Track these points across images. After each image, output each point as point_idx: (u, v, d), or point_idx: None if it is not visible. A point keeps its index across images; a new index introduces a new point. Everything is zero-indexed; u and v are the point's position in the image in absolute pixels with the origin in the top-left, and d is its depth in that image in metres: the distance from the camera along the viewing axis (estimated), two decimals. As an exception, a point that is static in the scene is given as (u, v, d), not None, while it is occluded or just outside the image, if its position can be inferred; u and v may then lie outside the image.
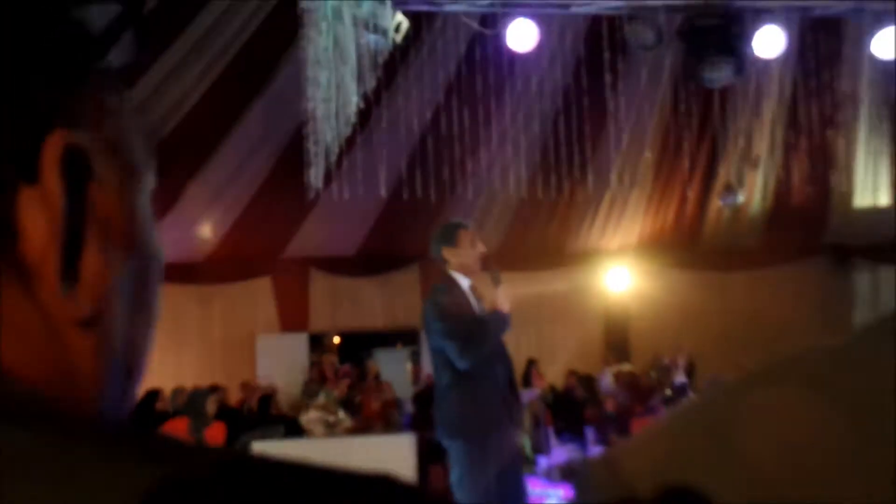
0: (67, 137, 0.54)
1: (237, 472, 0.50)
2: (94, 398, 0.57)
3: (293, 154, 11.35)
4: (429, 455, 9.58)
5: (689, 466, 0.58)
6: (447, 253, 6.03)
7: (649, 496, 0.58)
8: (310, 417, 10.70)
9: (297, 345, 15.63)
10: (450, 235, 6.11)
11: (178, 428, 10.20)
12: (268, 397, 12.55)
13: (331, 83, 9.03)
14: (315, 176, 9.76)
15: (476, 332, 5.83)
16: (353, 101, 8.67)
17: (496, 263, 6.20)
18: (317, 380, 13.67)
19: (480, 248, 6.07)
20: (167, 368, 13.32)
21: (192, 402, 10.75)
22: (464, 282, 5.98)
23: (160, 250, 0.64)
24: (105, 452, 0.49)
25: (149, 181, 0.64)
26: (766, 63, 11.24)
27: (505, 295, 5.99)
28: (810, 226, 15.67)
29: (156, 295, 0.64)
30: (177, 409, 11.29)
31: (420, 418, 11.29)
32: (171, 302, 14.26)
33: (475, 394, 5.86)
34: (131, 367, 0.61)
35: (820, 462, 0.56)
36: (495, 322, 5.94)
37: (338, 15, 9.02)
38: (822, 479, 0.55)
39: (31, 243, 0.53)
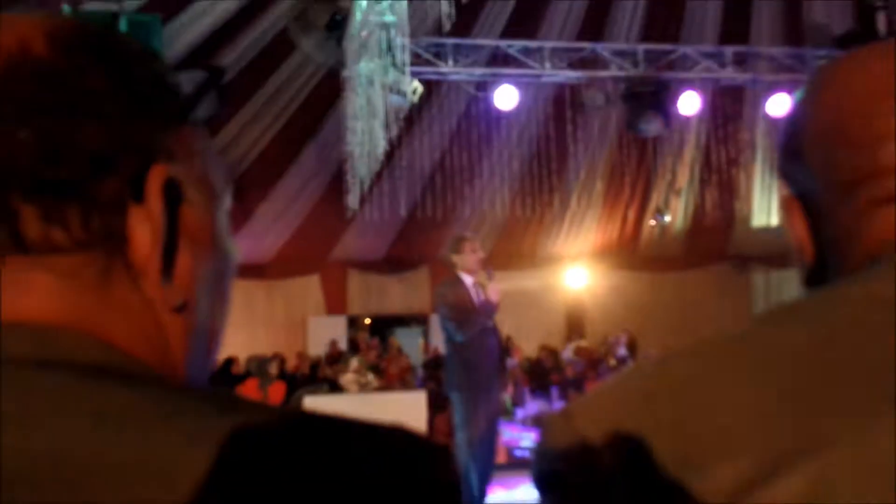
0: (167, 170, 0.54)
1: (295, 422, 0.50)
2: (182, 367, 0.56)
3: (336, 184, 11.37)
4: (435, 407, 9.56)
5: (626, 419, 0.58)
6: (454, 258, 6.10)
7: (597, 440, 0.58)
8: (347, 378, 10.68)
9: (338, 324, 15.62)
10: (456, 245, 6.17)
11: (249, 386, 10.19)
12: (316, 364, 12.52)
13: (364, 132, 9.04)
14: (352, 200, 9.77)
15: (468, 315, 5.89)
16: (381, 145, 8.67)
17: (489, 265, 6.22)
18: (351, 350, 13.68)
19: (479, 254, 6.10)
20: (241, 342, 13.32)
21: (259, 367, 10.74)
22: (467, 279, 6.02)
23: (235, 253, 0.63)
24: (192, 406, 0.49)
25: (226, 202, 0.63)
26: (687, 119, 11.24)
27: (495, 289, 6.02)
28: (719, 239, 15.59)
29: (230, 287, 0.63)
30: (248, 371, 11.27)
31: (429, 380, 11.26)
32: (245, 292, 14.30)
33: (469, 359, 5.93)
34: (210, 342, 0.60)
35: (725, 414, 0.56)
36: (486, 308, 5.99)
37: (370, 81, 9.04)
38: (727, 427, 0.55)
39: (138, 249, 0.53)
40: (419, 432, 0.55)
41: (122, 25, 7.63)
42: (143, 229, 0.53)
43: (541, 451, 0.64)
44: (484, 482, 6.16)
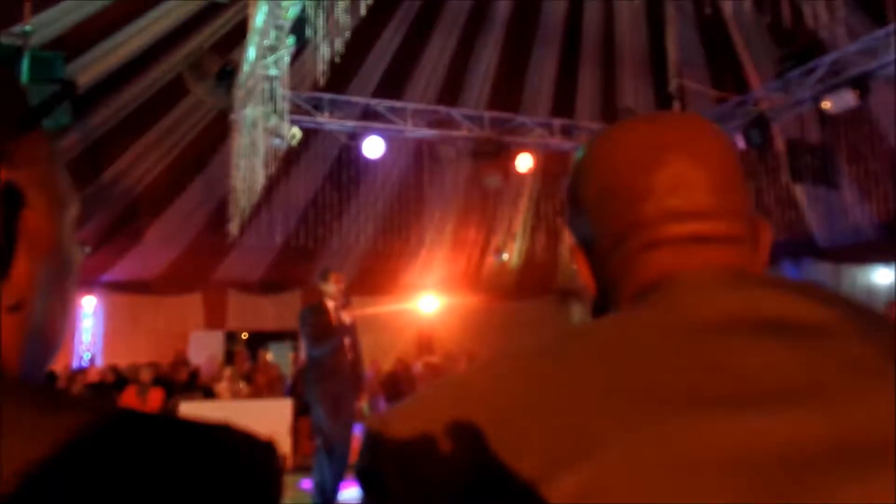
0: (7, 174, 0.50)
1: (118, 420, 0.47)
2: (15, 365, 0.51)
3: (220, 213, 11.05)
4: (300, 412, 9.38)
5: (436, 421, 0.57)
6: (322, 286, 6.13)
7: (410, 443, 0.56)
8: (221, 386, 10.33)
9: (217, 338, 15.07)
10: (324, 276, 6.22)
11: (129, 393, 9.64)
12: (194, 372, 12.04)
13: (246, 168, 8.86)
14: (233, 227, 9.52)
15: (325, 335, 5.90)
16: (260, 181, 8.51)
17: (348, 294, 6.25)
18: (227, 362, 13.20)
19: (341, 285, 6.13)
20: (127, 352, 12.65)
21: (137, 375, 10.20)
22: (331, 304, 6.04)
23: (76, 256, 0.58)
24: (29, 401, 0.46)
25: (72, 210, 0.57)
26: (522, 176, 11.63)
27: (349, 314, 6.05)
28: (546, 275, 16.11)
29: (72, 288, 0.57)
30: (127, 379, 10.63)
31: (295, 389, 11.04)
32: (133, 306, 13.61)
33: (325, 372, 5.92)
34: (48, 341, 0.55)
35: (519, 417, 0.55)
36: (342, 329, 6.00)
37: (254, 125, 8.89)
38: (521, 429, 0.54)
39: None
40: (243, 429, 0.52)
41: (25, 61, 7.19)
42: None
43: (361, 452, 0.62)
44: (338, 478, 6.10)
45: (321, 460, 5.96)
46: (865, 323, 0.58)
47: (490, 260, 15.42)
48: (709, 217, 0.67)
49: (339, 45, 7.53)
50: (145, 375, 9.81)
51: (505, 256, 14.91)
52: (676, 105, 11.36)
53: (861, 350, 0.55)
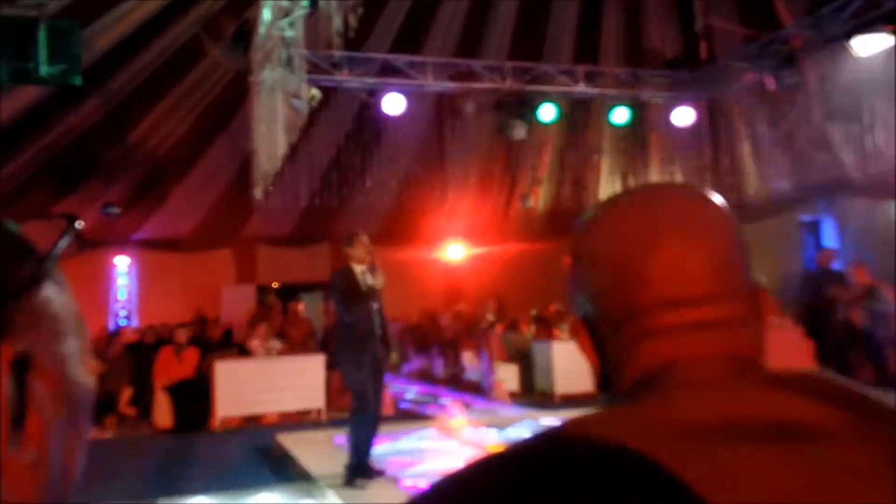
0: (15, 347, 0.51)
1: None
2: None
3: (245, 172, 11.14)
4: (331, 366, 9.56)
5: None
6: (347, 250, 6.18)
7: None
8: (254, 343, 10.55)
9: (248, 292, 15.36)
10: (350, 240, 6.26)
11: (165, 353, 9.93)
12: (228, 330, 12.30)
13: (267, 133, 8.89)
14: (257, 192, 9.60)
15: (355, 300, 6.01)
16: (281, 148, 8.53)
17: (375, 257, 6.25)
18: (260, 315, 13.44)
19: (368, 248, 6.17)
20: (161, 309, 12.97)
21: (170, 334, 10.45)
22: (358, 268, 6.11)
23: (88, 386, 0.58)
24: None
25: (79, 338, 0.58)
26: (546, 125, 11.50)
27: (379, 277, 6.12)
28: (571, 219, 15.99)
29: (86, 422, 0.58)
30: (163, 339, 10.87)
31: (327, 343, 11.24)
32: (164, 264, 13.89)
33: (355, 337, 6.08)
34: (67, 481, 0.56)
35: None
36: (372, 293, 6.09)
37: (273, 87, 8.88)
38: None
39: None
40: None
41: (42, 33, 7.22)
42: None
43: None
44: (372, 436, 6.29)
45: (357, 421, 6.16)
46: (871, 424, 0.57)
47: (516, 206, 15.39)
48: (707, 302, 0.66)
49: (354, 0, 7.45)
50: (181, 335, 10.07)
51: (531, 202, 14.85)
52: (703, 46, 11.08)
53: (862, 456, 0.55)
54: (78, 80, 7.10)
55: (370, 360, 6.09)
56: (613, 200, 0.75)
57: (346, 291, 6.07)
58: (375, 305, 6.16)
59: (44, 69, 6.88)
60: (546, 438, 0.58)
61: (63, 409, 0.55)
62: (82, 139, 10.84)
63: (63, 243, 0.57)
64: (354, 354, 6.10)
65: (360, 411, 6.14)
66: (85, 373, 0.58)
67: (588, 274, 0.71)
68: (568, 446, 0.56)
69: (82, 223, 0.60)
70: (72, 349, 0.56)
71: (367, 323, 6.07)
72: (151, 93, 10.66)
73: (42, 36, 7.19)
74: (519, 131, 10.69)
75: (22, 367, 0.51)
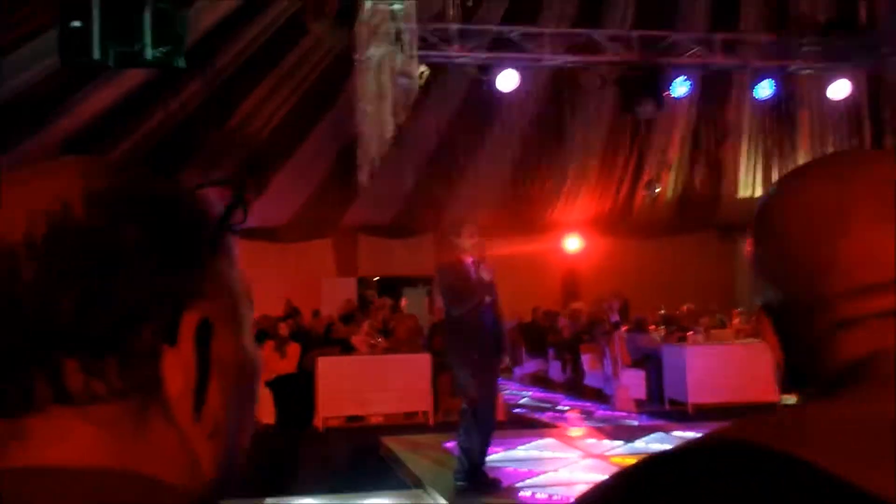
0: (199, 312, 0.53)
1: None
2: (214, 481, 0.56)
3: (347, 157, 11.44)
4: (440, 367, 9.68)
5: None
6: (456, 241, 6.26)
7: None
8: (358, 339, 10.83)
9: (348, 285, 15.77)
10: (458, 229, 6.32)
11: (266, 349, 10.31)
12: (330, 324, 12.60)
13: (374, 115, 9.10)
14: (362, 177, 9.84)
15: (464, 294, 6.08)
16: (390, 130, 8.71)
17: (485, 247, 6.32)
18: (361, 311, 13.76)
19: (476, 238, 6.24)
20: (257, 303, 13.46)
21: (273, 328, 10.82)
22: (468, 260, 6.19)
23: (258, 360, 0.61)
24: None
25: (250, 318, 0.61)
26: (678, 102, 11.24)
27: (488, 269, 6.18)
28: (706, 209, 15.65)
29: (256, 394, 0.61)
30: (264, 332, 11.27)
31: (433, 342, 11.38)
32: (260, 255, 14.45)
33: (465, 332, 6.16)
34: (240, 451, 0.59)
35: None
36: (482, 286, 6.16)
37: (379, 66, 9.08)
38: None
39: (172, 391, 0.52)
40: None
41: (147, 17, 7.68)
42: (177, 373, 0.52)
43: None
44: (485, 442, 6.36)
45: (468, 425, 6.24)
46: None
47: (641, 194, 15.15)
48: None
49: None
50: (283, 329, 10.46)
51: (658, 189, 14.56)
52: (862, 7, 10.54)
53: None
54: (181, 62, 7.52)
55: (481, 360, 6.15)
56: (800, 171, 0.73)
57: (456, 285, 6.16)
58: (487, 300, 6.22)
59: (149, 52, 7.32)
60: (706, 443, 0.58)
61: (238, 380, 0.57)
62: (183, 124, 11.43)
63: (233, 211, 0.59)
64: (464, 353, 6.18)
65: (470, 414, 6.22)
66: (255, 345, 0.61)
67: (771, 255, 0.69)
68: (728, 452, 0.56)
69: (249, 192, 0.64)
70: (246, 319, 0.60)
71: (477, 319, 6.14)
72: (252, 74, 11.13)
73: (147, 18, 7.65)
74: (647, 109, 10.48)
75: (204, 335, 0.54)
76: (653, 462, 0.58)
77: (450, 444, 7.43)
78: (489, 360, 6.24)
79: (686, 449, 0.58)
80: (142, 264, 0.51)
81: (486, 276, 6.15)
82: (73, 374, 0.50)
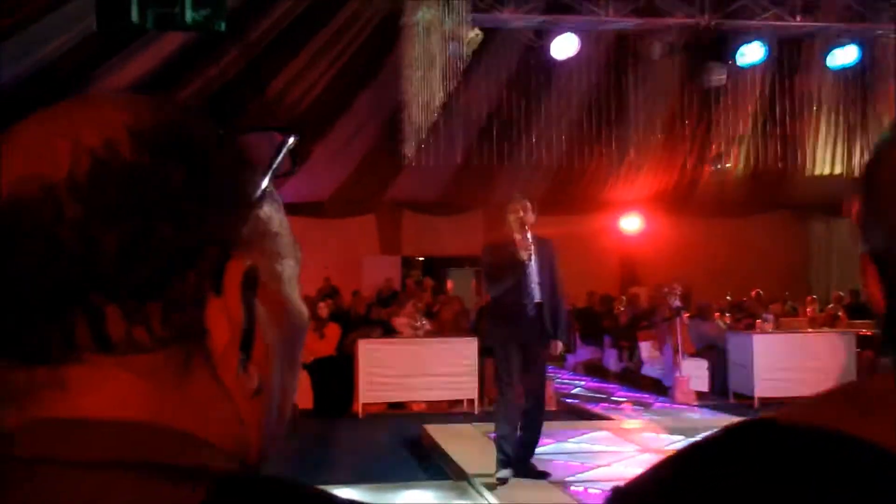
0: (244, 263, 0.54)
1: None
2: (257, 446, 0.57)
3: (392, 128, 11.44)
4: (486, 353, 9.70)
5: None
6: (507, 217, 6.25)
7: None
8: (400, 322, 10.89)
9: (392, 264, 15.84)
10: (509, 205, 6.32)
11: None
12: (371, 305, 12.70)
13: (421, 82, 9.07)
14: (408, 148, 9.84)
15: (503, 273, 6.06)
16: (438, 97, 8.69)
17: (540, 215, 6.34)
18: (406, 292, 13.85)
19: (518, 214, 6.19)
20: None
21: (311, 309, 10.95)
22: (517, 235, 6.16)
23: (304, 316, 0.62)
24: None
25: (297, 271, 0.62)
26: (749, 69, 11.02)
27: (524, 248, 6.12)
28: (778, 186, 15.37)
29: (301, 351, 0.62)
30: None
31: (479, 326, 11.39)
32: (301, 230, 14.42)
33: (500, 315, 6.15)
34: (284, 414, 0.60)
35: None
36: (516, 267, 6.12)
37: (427, 30, 9.04)
38: None
39: (217, 342, 0.53)
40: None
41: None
42: (222, 323, 0.53)
43: None
44: (533, 438, 6.33)
45: (500, 412, 6.23)
46: None
47: (708, 169, 14.91)
48: None
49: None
50: (323, 310, 10.55)
51: (727, 165, 14.35)
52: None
53: None
54: (222, 26, 7.54)
55: (521, 346, 6.12)
56: None
57: (496, 263, 6.15)
58: (534, 281, 6.16)
59: (189, 14, 7.35)
60: (757, 425, 0.58)
61: (284, 334, 0.58)
62: (220, 93, 11.52)
63: (279, 159, 0.59)
64: (501, 336, 6.19)
65: (502, 404, 6.23)
66: (301, 301, 0.62)
67: (882, 199, 0.67)
68: (779, 435, 0.56)
69: (295, 139, 0.62)
70: (291, 271, 0.60)
71: (516, 300, 6.10)
72: (293, 40, 11.14)
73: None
74: (716, 77, 10.30)
75: (250, 286, 0.54)
76: (700, 449, 0.58)
77: (494, 435, 7.44)
78: (531, 345, 6.19)
79: (733, 434, 0.58)
80: (188, 207, 0.52)
81: (521, 254, 6.09)
82: (114, 319, 0.50)
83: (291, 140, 0.61)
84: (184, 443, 0.52)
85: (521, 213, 6.16)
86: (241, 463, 0.55)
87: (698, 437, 0.59)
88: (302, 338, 0.62)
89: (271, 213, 0.59)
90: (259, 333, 0.55)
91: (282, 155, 0.60)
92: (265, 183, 0.58)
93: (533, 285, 6.16)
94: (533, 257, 6.13)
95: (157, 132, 0.53)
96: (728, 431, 0.59)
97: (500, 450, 6.25)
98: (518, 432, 6.27)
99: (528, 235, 6.15)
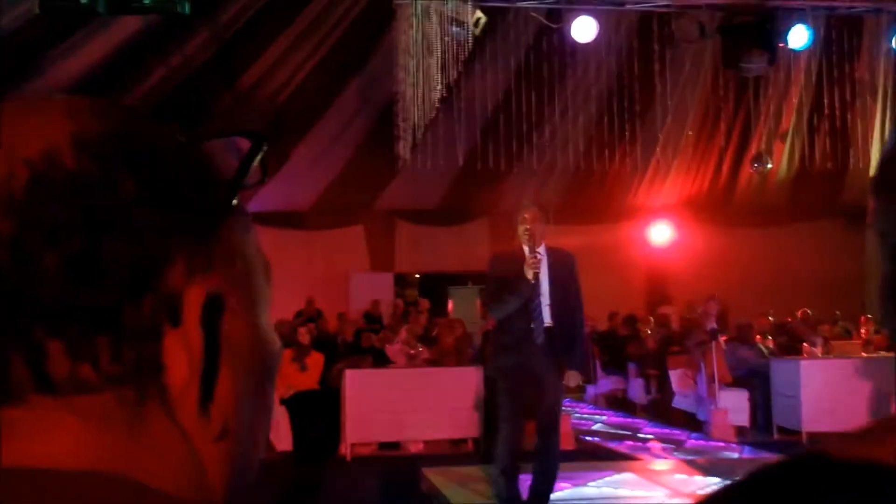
0: (206, 287, 0.54)
1: None
2: (222, 494, 0.56)
3: (384, 124, 11.44)
4: (492, 384, 9.67)
5: None
6: (517, 226, 6.22)
7: None
8: (394, 349, 10.87)
9: (384, 282, 15.83)
10: (518, 213, 6.28)
11: (285, 355, 10.38)
12: (360, 330, 12.68)
13: (418, 71, 9.08)
14: (403, 149, 9.85)
15: (507, 293, 6.03)
16: (438, 89, 8.70)
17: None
18: (399, 315, 13.83)
19: (527, 225, 6.15)
20: (275, 303, 13.60)
21: (291, 335, 10.89)
22: (526, 250, 6.12)
23: (276, 347, 0.62)
24: None
25: (268, 291, 0.62)
26: (796, 55, 11.05)
27: (534, 262, 6.08)
28: (829, 190, 15.40)
29: (272, 391, 0.62)
30: (282, 340, 11.37)
31: (484, 353, 11.37)
32: (278, 244, 14.55)
33: (503, 340, 6.14)
34: (252, 461, 0.60)
35: None
36: (524, 285, 6.08)
37: (426, 12, 9.06)
38: None
39: (174, 379, 0.53)
40: None
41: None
42: (180, 357, 0.53)
43: None
44: (546, 480, 6.29)
45: (497, 451, 6.20)
46: None
47: (747, 171, 14.93)
48: None
49: None
50: (304, 336, 10.52)
51: (769, 165, 14.38)
52: None
53: None
54: (186, 8, 7.55)
55: (530, 378, 6.08)
56: None
57: (499, 280, 6.12)
58: (544, 302, 6.13)
59: (147, -5, 7.37)
60: (807, 461, 0.59)
61: (252, 369, 0.58)
62: (187, 84, 11.53)
63: (249, 169, 0.59)
64: (504, 365, 6.15)
65: (500, 441, 6.22)
66: (272, 329, 0.62)
67: None
68: (834, 472, 0.57)
69: (267, 146, 0.61)
70: (262, 296, 0.60)
71: (522, 325, 6.07)
72: (269, 23, 11.16)
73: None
74: (756, 64, 10.32)
75: (213, 314, 0.54)
76: (739, 491, 0.59)
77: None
78: (542, 376, 6.15)
79: (777, 474, 0.59)
80: (140, 223, 0.51)
81: (527, 272, 6.04)
82: (56, 356, 0.50)
83: (263, 147, 0.60)
84: (138, 495, 0.51)
85: (529, 224, 6.13)
86: None
87: (733, 481, 0.59)
88: (273, 372, 0.62)
89: (238, 231, 0.59)
90: (224, 368, 0.55)
91: (252, 165, 0.59)
92: (231, 197, 0.58)
93: (543, 307, 6.13)
94: (543, 275, 6.10)
95: (105, 139, 0.53)
96: (769, 470, 0.59)
97: (496, 496, 6.25)
98: (517, 478, 6.23)
99: (541, 249, 6.11)
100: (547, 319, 6.14)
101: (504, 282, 6.08)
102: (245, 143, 0.60)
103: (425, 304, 13.97)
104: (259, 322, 0.59)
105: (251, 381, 0.58)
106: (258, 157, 0.60)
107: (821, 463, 0.57)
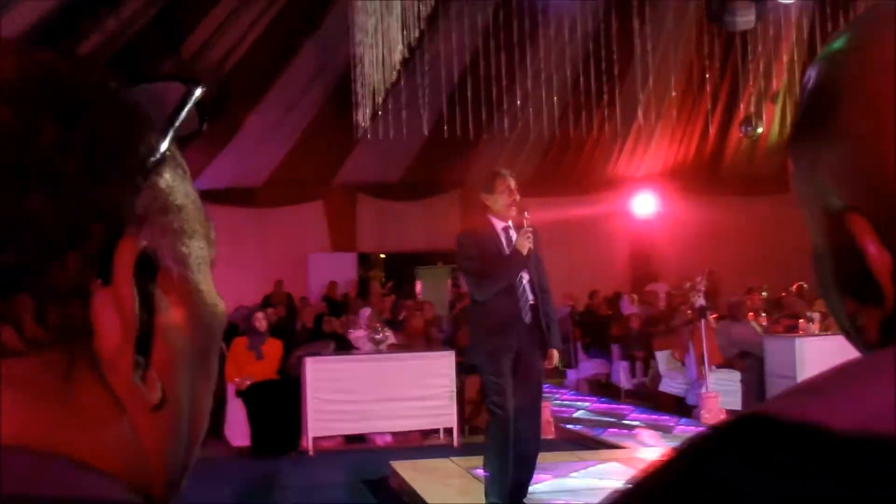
0: (138, 243, 0.53)
1: None
2: (161, 472, 0.56)
3: (341, 92, 11.40)
4: (466, 369, 9.70)
5: None
6: (486, 199, 6.21)
7: None
8: (357, 335, 10.86)
9: (346, 263, 15.79)
10: (488, 183, 6.27)
11: (238, 346, 10.35)
12: (321, 315, 12.67)
13: (377, 31, 9.04)
14: (363, 116, 9.81)
15: (491, 271, 6.03)
16: (399, 50, 8.66)
17: (526, 208, 6.25)
18: (361, 296, 13.83)
19: (515, 196, 6.17)
20: (227, 287, 13.52)
21: (246, 321, 10.86)
22: (498, 224, 6.14)
23: (219, 310, 0.62)
24: None
25: (210, 250, 0.62)
26: (786, 6, 11.07)
27: (523, 240, 6.10)
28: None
29: (216, 356, 0.62)
30: (235, 327, 11.27)
31: (455, 337, 11.40)
32: (231, 223, 14.49)
33: (489, 322, 6.12)
34: (194, 432, 0.60)
35: None
36: (513, 262, 6.10)
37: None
38: None
39: (106, 342, 0.52)
40: None
41: None
42: (111, 318, 0.52)
43: None
44: (525, 469, 6.34)
45: (494, 445, 6.20)
46: None
47: (736, 136, 15.01)
48: None
49: None
50: (261, 322, 10.49)
51: (759, 129, 14.42)
52: None
53: None
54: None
55: (514, 359, 6.12)
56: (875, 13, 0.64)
57: (480, 257, 6.11)
58: (525, 279, 6.17)
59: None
60: (741, 424, 0.56)
61: (193, 333, 0.58)
62: (124, 51, 11.42)
63: (183, 115, 0.59)
64: (490, 350, 6.15)
65: (496, 431, 6.21)
66: (215, 292, 0.61)
67: (881, 109, 0.59)
68: (766, 438, 0.54)
69: (203, 89, 0.61)
70: (201, 253, 0.60)
71: (509, 304, 6.09)
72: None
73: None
74: (743, 18, 10.34)
75: (146, 271, 0.54)
76: (677, 462, 0.57)
77: (480, 472, 7.47)
78: (526, 358, 6.19)
79: (723, 436, 0.56)
80: (64, 173, 0.51)
81: (523, 246, 6.08)
82: None
83: (198, 91, 0.60)
84: (66, 471, 0.50)
85: (517, 194, 6.15)
86: (147, 497, 0.54)
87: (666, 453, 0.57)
88: (218, 337, 0.61)
89: (173, 182, 0.58)
90: (160, 331, 0.55)
91: (186, 109, 0.59)
92: (165, 144, 0.57)
93: (525, 284, 6.17)
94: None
95: (23, 83, 0.52)
96: (705, 437, 0.56)
97: (490, 493, 6.24)
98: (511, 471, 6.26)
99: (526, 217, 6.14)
100: (530, 297, 6.17)
101: (493, 255, 6.09)
102: (179, 88, 0.60)
103: (392, 285, 14.00)
104: (200, 283, 0.59)
105: (192, 345, 0.58)
106: (191, 102, 0.59)
107: (763, 429, 0.54)
